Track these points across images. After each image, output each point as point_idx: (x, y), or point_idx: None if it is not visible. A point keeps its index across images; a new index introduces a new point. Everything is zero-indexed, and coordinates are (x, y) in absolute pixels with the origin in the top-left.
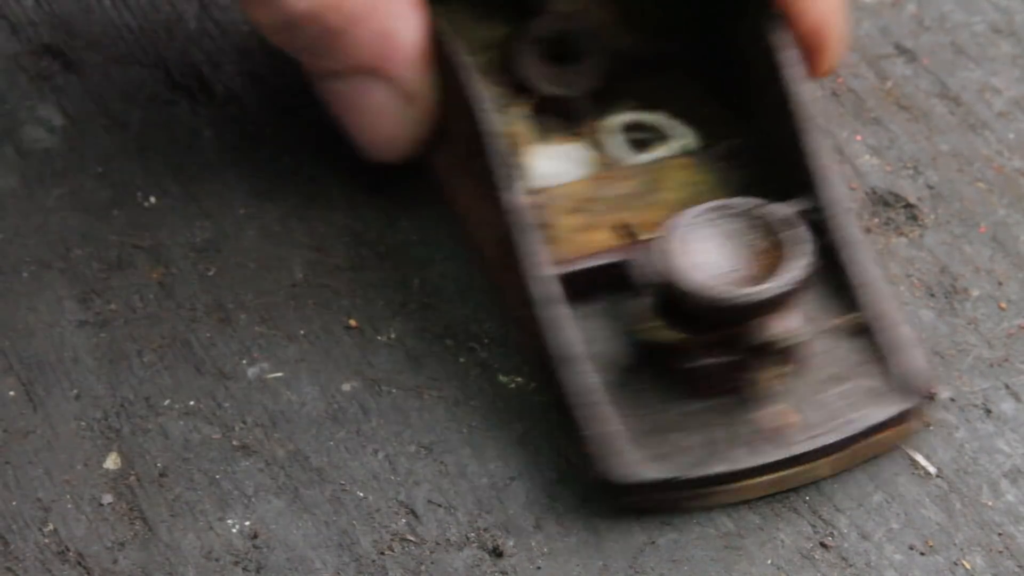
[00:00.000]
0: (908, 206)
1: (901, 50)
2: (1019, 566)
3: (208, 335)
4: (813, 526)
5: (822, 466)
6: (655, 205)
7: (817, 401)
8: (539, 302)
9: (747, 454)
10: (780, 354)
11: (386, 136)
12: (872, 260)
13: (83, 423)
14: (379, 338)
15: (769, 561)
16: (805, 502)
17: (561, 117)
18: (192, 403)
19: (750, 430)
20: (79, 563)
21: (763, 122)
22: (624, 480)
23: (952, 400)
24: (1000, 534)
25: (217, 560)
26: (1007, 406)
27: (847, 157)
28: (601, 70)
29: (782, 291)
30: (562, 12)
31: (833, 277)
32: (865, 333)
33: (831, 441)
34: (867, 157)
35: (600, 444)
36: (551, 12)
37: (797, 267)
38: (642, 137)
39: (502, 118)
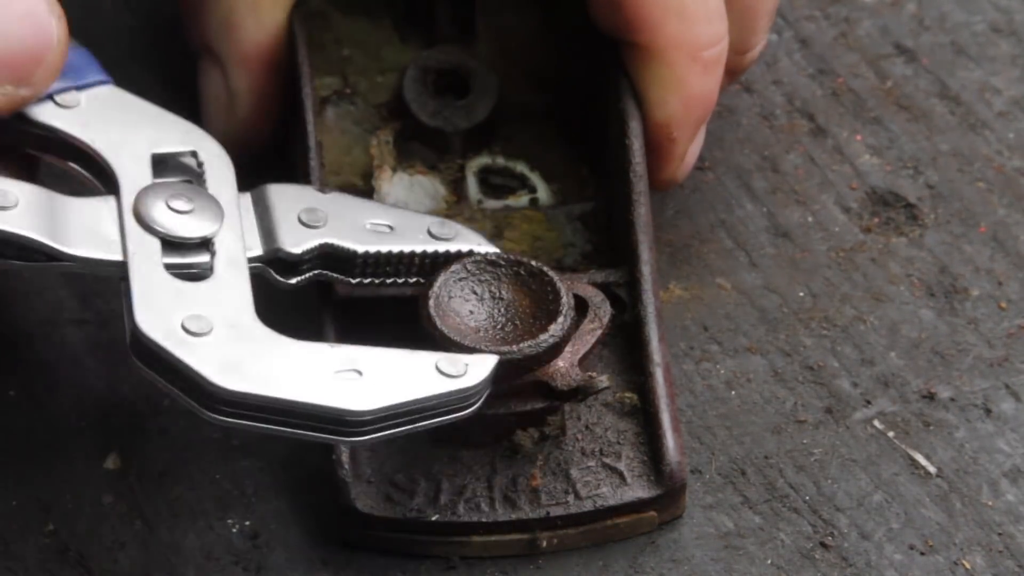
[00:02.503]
0: (908, 206)
1: (901, 50)
2: (1019, 566)
3: None
4: (813, 526)
5: (571, 536)
6: None
7: (562, 471)
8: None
9: (484, 510)
10: (535, 416)
11: (215, 127)
12: (661, 340)
13: (83, 423)
14: None
15: (769, 561)
16: (805, 502)
17: (431, 149)
18: None
19: (502, 487)
20: (79, 563)
21: (608, 187)
22: (352, 511)
23: (952, 400)
24: (1000, 534)
25: (217, 560)
26: (1007, 406)
27: (847, 157)
28: (482, 111)
29: (523, 355)
30: (460, 47)
31: (628, 353)
32: (636, 414)
33: (557, 514)
34: (867, 157)
35: (341, 472)
36: (452, 44)
37: (546, 338)
38: (501, 183)
39: (365, 138)
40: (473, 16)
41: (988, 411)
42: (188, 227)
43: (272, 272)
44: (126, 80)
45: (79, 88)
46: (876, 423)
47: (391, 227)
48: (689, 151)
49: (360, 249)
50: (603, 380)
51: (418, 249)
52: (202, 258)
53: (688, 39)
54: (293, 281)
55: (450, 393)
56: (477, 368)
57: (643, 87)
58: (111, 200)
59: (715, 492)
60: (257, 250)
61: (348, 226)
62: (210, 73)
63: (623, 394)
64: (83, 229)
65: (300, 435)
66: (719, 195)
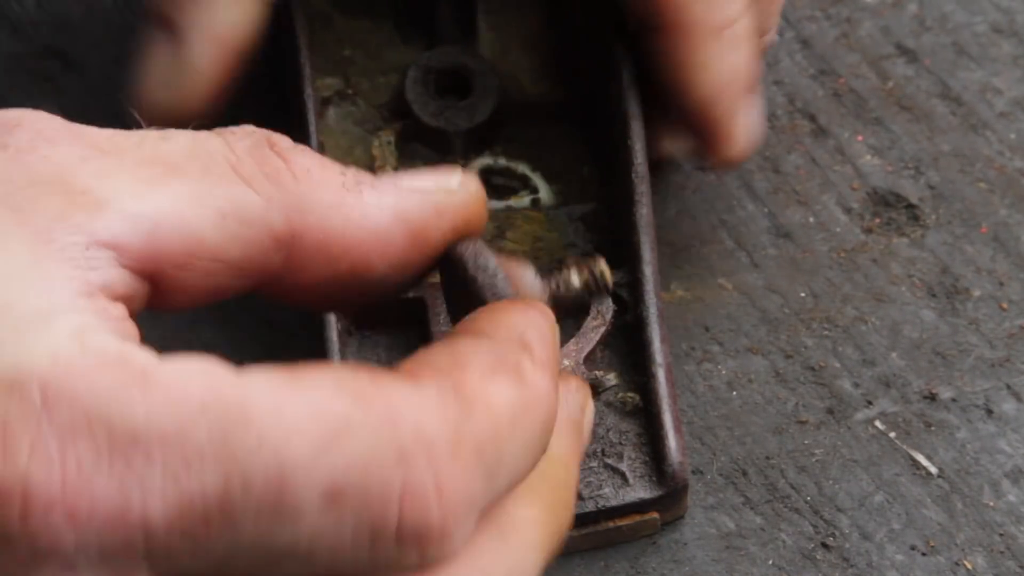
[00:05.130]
0: (909, 206)
1: (902, 50)
2: (1020, 566)
3: (210, 335)
4: (814, 526)
5: (574, 538)
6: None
7: None
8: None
9: None
10: None
11: (159, 95)
12: (664, 340)
13: None
14: None
15: (770, 561)
16: (806, 502)
17: (433, 149)
18: None
19: None
20: None
21: (610, 188)
22: None
23: (954, 400)
24: (1001, 534)
25: None
26: (1008, 406)
27: (848, 157)
28: (484, 111)
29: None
30: (462, 47)
31: (630, 353)
32: (638, 414)
33: None
34: (868, 157)
35: None
36: (453, 45)
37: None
38: (503, 183)
39: (367, 139)
40: (474, 16)
41: (989, 411)
42: None
43: None
44: (128, 82)
45: None
46: (877, 424)
47: None
48: (738, 128)
49: None
50: (610, 378)
51: None
52: None
53: (709, 19)
54: None
55: None
56: None
57: (674, 71)
58: None
59: (716, 493)
60: None
61: None
62: (163, 43)
63: (625, 394)
64: None
65: None
66: (720, 195)
